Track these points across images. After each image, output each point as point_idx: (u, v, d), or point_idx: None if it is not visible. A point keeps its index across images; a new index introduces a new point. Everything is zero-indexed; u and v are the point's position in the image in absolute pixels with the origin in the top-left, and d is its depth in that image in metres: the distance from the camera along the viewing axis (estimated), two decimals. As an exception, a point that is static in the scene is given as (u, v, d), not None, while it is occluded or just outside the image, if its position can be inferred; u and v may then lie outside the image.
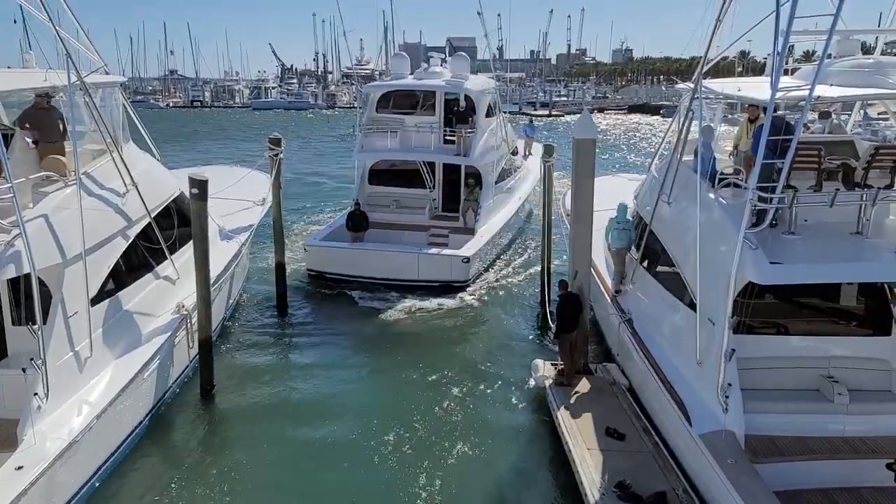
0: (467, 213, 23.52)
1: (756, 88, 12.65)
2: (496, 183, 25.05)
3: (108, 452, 11.59)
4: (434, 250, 21.35)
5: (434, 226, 23.60)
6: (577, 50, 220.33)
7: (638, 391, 13.38)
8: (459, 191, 24.32)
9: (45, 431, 10.25)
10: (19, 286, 10.94)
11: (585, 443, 11.68)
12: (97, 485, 11.14)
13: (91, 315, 11.75)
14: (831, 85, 11.63)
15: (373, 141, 24.38)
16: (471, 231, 22.89)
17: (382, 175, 24.97)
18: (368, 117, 24.87)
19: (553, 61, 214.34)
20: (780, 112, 11.72)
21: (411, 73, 26.20)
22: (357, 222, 22.61)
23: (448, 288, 20.70)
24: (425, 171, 24.54)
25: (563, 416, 12.62)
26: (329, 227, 23.89)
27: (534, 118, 39.11)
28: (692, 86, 13.46)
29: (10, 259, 10.13)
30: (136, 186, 13.99)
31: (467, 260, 20.82)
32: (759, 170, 10.13)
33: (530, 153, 34.21)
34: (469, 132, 23.68)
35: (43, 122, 12.91)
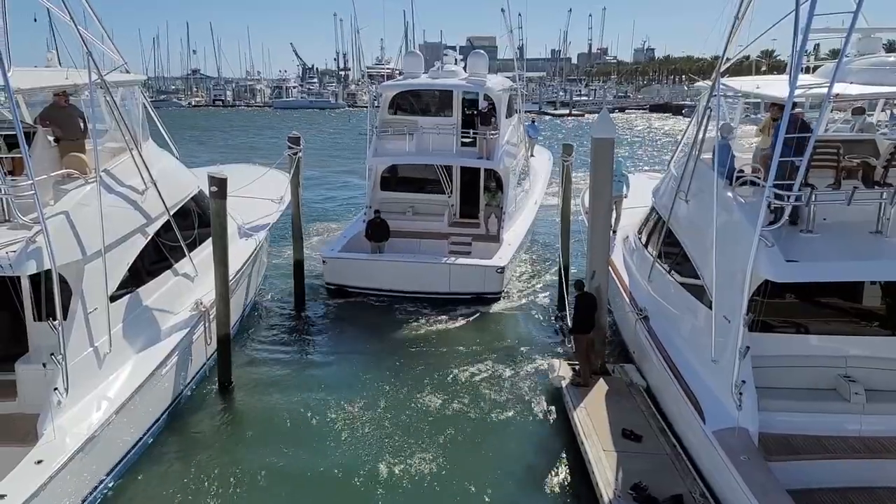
0: (489, 219, 22.45)
1: (775, 86, 12.59)
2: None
3: (127, 448, 11.76)
4: (466, 260, 20.24)
5: (454, 233, 22.50)
6: (598, 49, 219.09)
7: (655, 391, 13.35)
8: (478, 195, 23.36)
9: (64, 426, 10.41)
10: (40, 282, 11.10)
11: (601, 444, 11.64)
12: (116, 480, 11.31)
13: (110, 311, 11.89)
14: (851, 83, 11.55)
15: (387, 144, 23.11)
16: (494, 238, 21.87)
17: (395, 179, 23.83)
18: (381, 119, 23.57)
19: (574, 60, 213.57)
20: (798, 110, 11.63)
21: (425, 73, 25.24)
22: (377, 231, 21.21)
23: (479, 300, 19.75)
24: (443, 175, 23.55)
25: (579, 417, 12.61)
26: (344, 235, 22.45)
27: (535, 118, 38.27)
28: (710, 84, 13.40)
29: (31, 255, 10.28)
30: (155, 184, 14.14)
31: (502, 270, 19.73)
32: (777, 167, 10.08)
33: (532, 154, 33.64)
34: (492, 134, 22.73)
35: (64, 119, 13.07)
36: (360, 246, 21.31)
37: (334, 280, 20.57)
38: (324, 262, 20.65)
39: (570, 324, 14.83)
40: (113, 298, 12.07)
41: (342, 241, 21.62)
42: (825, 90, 10.08)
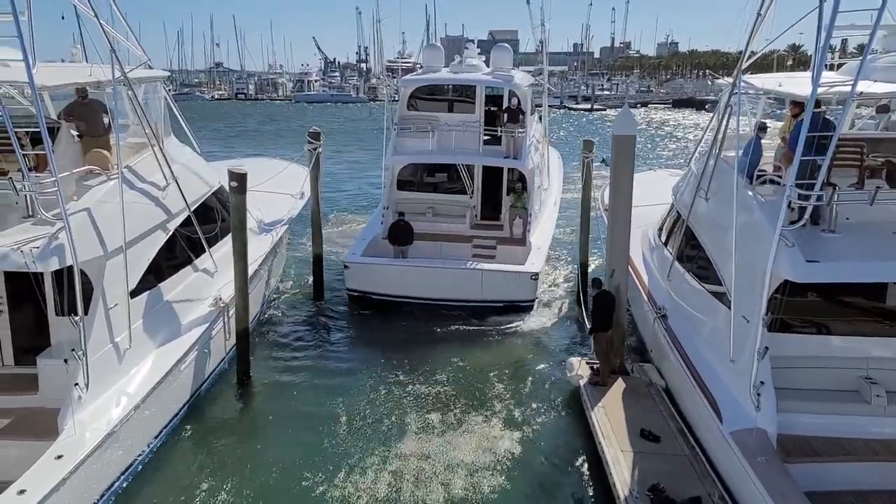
0: (514, 221, 21.50)
1: (797, 84, 12.45)
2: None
3: (146, 443, 11.90)
4: (499, 266, 19.23)
5: (477, 236, 21.47)
6: (620, 43, 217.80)
7: (673, 392, 13.28)
8: (500, 196, 22.57)
9: (85, 421, 10.54)
10: (63, 278, 11.21)
11: (619, 444, 11.60)
12: (134, 474, 11.43)
13: (131, 307, 12.02)
14: (875, 81, 11.38)
15: (407, 142, 22.09)
16: (519, 241, 20.98)
17: (414, 179, 22.94)
18: (400, 115, 22.45)
19: (596, 54, 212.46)
20: (822, 108, 11.48)
21: (446, 67, 24.44)
22: (401, 234, 20.23)
23: (511, 309, 18.82)
24: (465, 174, 22.66)
25: (596, 417, 12.57)
26: (363, 238, 21.28)
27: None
28: (732, 81, 13.28)
29: (54, 251, 10.39)
30: (177, 180, 14.24)
31: (536, 276, 18.82)
32: (798, 166, 9.98)
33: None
34: (521, 132, 21.60)
35: (87, 115, 13.19)
36: (380, 249, 20.52)
37: (357, 287, 19.46)
38: (346, 267, 19.44)
39: (588, 322, 14.76)
40: (133, 294, 12.20)
41: (362, 245, 20.51)
42: (849, 88, 9.95)
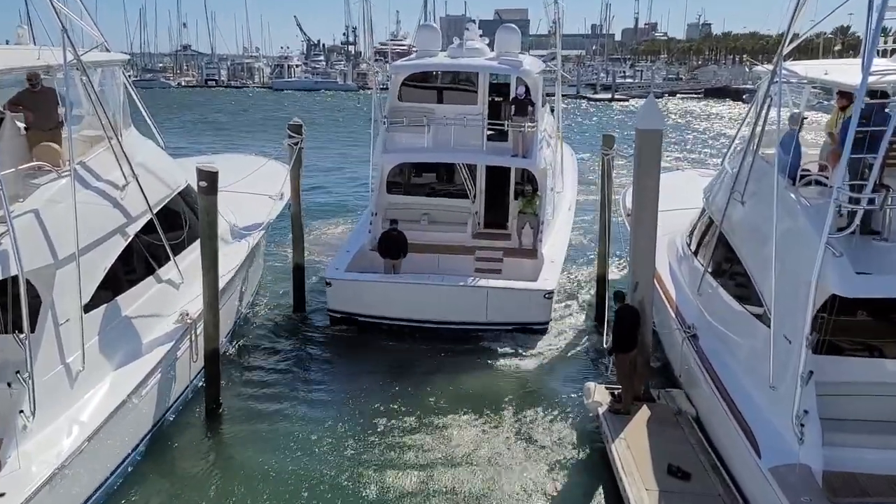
0: (523, 229, 21.10)
1: (845, 72, 12.50)
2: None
3: (101, 479, 11.84)
4: (508, 283, 18.82)
5: (480, 247, 21.08)
6: (645, 24, 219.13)
7: (705, 421, 13.29)
8: (506, 200, 22.25)
9: (30, 453, 10.50)
10: (6, 290, 11.18)
11: (643, 481, 11.58)
12: (88, 514, 11.40)
13: (84, 323, 12.01)
14: None
15: (399, 138, 21.64)
16: (530, 253, 20.70)
17: (407, 181, 22.64)
18: (391, 107, 21.88)
19: (617, 37, 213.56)
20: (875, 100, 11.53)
21: (443, 50, 23.84)
22: (393, 245, 19.64)
23: (523, 331, 18.55)
24: (465, 175, 22.26)
25: (618, 449, 12.55)
26: (348, 249, 20.74)
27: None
28: (771, 68, 13.33)
29: None
30: (137, 178, 14.28)
31: (550, 295, 18.53)
32: (847, 166, 10.02)
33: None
34: (530, 127, 20.97)
35: (38, 105, 13.20)
36: (367, 262, 20.20)
37: (341, 307, 19.14)
38: (328, 284, 19.08)
39: (609, 342, 14.76)
40: (87, 309, 12.19)
41: (347, 258, 20.02)
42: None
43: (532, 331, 18.63)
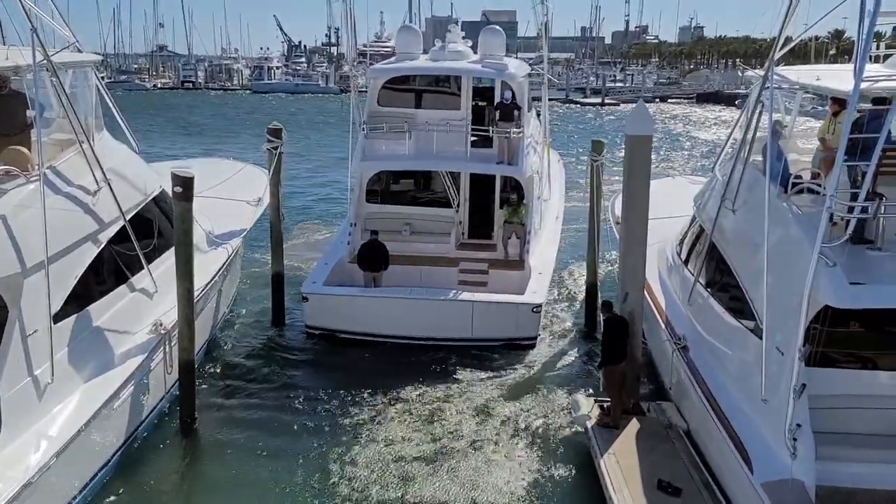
0: (509, 239, 21.01)
1: (838, 77, 12.60)
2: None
3: (71, 496, 11.74)
4: (494, 297, 18.76)
5: (465, 258, 21.00)
6: (636, 27, 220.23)
7: (696, 435, 13.34)
8: (491, 210, 22.20)
9: None
10: (-29, 299, 11.18)
11: (632, 498, 11.61)
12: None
13: (54, 334, 11.92)
14: None
15: (379, 145, 21.42)
16: (517, 264, 20.64)
17: (387, 189, 22.56)
18: (370, 112, 21.63)
19: (608, 40, 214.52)
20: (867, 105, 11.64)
21: (425, 53, 23.80)
22: (374, 257, 19.48)
23: (510, 346, 18.47)
24: (448, 183, 22.08)
25: (607, 464, 12.58)
26: (326, 261, 20.67)
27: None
28: (763, 73, 13.43)
29: None
30: (110, 184, 14.22)
31: (538, 309, 18.52)
32: (839, 173, 10.10)
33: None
34: (516, 133, 20.93)
35: (5, 107, 13.17)
36: (346, 274, 20.12)
37: (319, 323, 19.09)
38: (304, 299, 19.01)
39: (598, 354, 14.80)
40: (57, 319, 12.11)
41: (325, 271, 19.91)
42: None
43: (519, 346, 18.54)
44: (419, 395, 16.31)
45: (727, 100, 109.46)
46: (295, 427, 15.06)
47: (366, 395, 16.25)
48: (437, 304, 18.50)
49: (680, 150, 61.56)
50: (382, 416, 15.41)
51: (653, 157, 15.05)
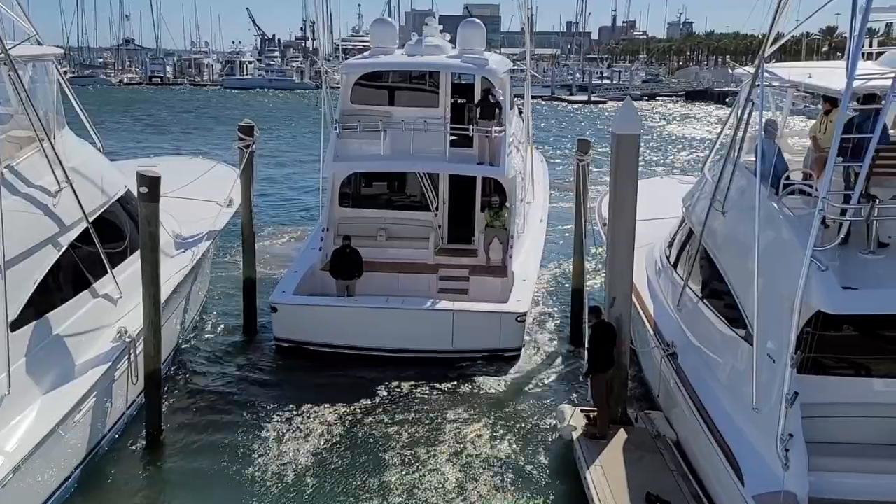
0: (491, 244, 20.79)
1: (830, 75, 12.67)
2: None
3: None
4: (474, 306, 18.54)
5: (444, 265, 20.87)
6: (624, 22, 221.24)
7: (685, 446, 13.37)
8: (472, 213, 21.97)
9: None
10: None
11: (620, 511, 11.61)
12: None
13: (11, 342, 11.83)
14: None
15: (352, 145, 21.11)
16: (499, 271, 20.39)
17: (360, 192, 22.26)
18: (342, 110, 21.38)
19: (594, 36, 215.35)
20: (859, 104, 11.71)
21: (401, 48, 23.46)
22: (346, 265, 19.24)
23: (492, 359, 18.27)
24: (426, 185, 21.84)
25: (593, 477, 12.57)
26: (296, 269, 20.33)
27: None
28: (753, 70, 13.48)
29: None
30: (72, 184, 14.14)
31: (522, 318, 18.29)
32: (832, 174, 10.15)
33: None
34: (498, 132, 20.63)
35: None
36: (317, 283, 19.88)
37: (289, 335, 18.71)
38: (273, 309, 18.55)
39: (584, 361, 14.79)
40: (14, 326, 12.01)
41: (295, 279, 19.54)
42: (889, 81, 10.16)
43: (503, 358, 18.36)
44: (395, 409, 16.21)
45: (717, 97, 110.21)
46: (266, 440, 14.95)
47: (338, 411, 16.07)
48: (414, 314, 18.24)
49: (669, 148, 61.83)
50: (354, 432, 15.32)
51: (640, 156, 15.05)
